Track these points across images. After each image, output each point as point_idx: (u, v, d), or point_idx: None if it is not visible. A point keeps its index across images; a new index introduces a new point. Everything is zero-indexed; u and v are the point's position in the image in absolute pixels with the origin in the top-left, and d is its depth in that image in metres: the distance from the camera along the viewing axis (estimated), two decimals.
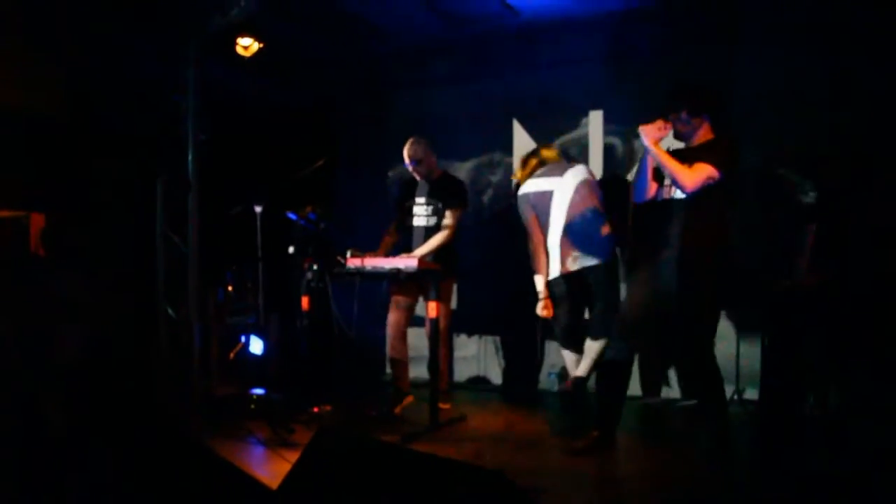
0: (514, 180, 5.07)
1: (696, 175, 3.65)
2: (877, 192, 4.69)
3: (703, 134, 3.86)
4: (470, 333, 6.37)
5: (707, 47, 5.49)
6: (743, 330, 5.05)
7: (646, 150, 3.84)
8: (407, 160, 5.02)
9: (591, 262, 4.61)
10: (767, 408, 4.54)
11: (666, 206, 3.85)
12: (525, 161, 4.98)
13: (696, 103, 3.83)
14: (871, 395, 4.30)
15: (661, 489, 3.49)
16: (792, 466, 3.78)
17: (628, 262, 4.05)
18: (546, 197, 4.75)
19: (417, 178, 5.11)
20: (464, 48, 6.39)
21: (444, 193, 5.04)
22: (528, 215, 4.82)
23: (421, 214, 5.07)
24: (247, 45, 5.36)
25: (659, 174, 3.91)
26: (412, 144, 5.01)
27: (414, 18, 5.87)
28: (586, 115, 5.94)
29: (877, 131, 4.80)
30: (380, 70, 6.90)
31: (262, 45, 5.37)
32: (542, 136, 5.92)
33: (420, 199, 5.10)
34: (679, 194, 3.77)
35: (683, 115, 3.83)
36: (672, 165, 3.70)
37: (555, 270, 4.71)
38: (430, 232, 5.00)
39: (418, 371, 5.68)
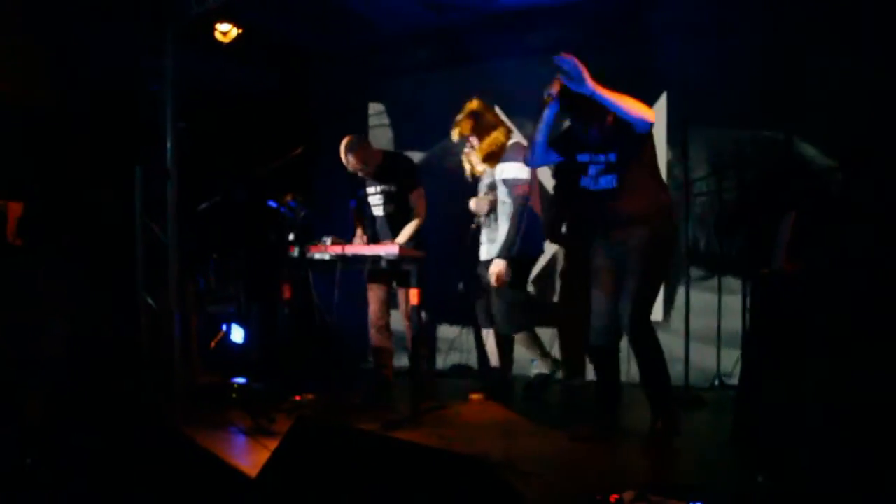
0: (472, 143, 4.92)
1: (647, 108, 3.59)
2: (860, 180, 4.73)
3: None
4: (451, 321, 6.37)
5: (684, 37, 5.50)
6: (724, 316, 5.07)
7: (550, 107, 3.73)
8: (351, 168, 4.91)
9: None
10: (747, 393, 4.56)
11: (597, 198, 3.84)
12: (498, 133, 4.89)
13: None
14: (848, 382, 4.33)
15: (642, 473, 3.51)
16: (773, 452, 3.80)
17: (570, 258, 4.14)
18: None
19: (364, 176, 5.02)
20: (443, 35, 6.36)
21: (396, 178, 4.93)
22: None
23: (377, 204, 5.01)
24: (226, 31, 5.32)
25: (577, 162, 3.87)
26: (351, 154, 4.87)
27: (395, 6, 5.84)
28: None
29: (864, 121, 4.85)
30: (359, 57, 6.86)
31: (241, 31, 5.32)
32: (523, 122, 5.90)
33: (371, 189, 5.02)
34: (607, 184, 3.76)
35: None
36: (628, 102, 3.52)
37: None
38: (391, 219, 4.95)
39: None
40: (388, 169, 4.96)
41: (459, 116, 4.80)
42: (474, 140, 4.80)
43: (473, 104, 4.81)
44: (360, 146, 4.89)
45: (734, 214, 4.94)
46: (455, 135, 4.81)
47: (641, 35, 5.65)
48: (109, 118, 5.48)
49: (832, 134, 5.01)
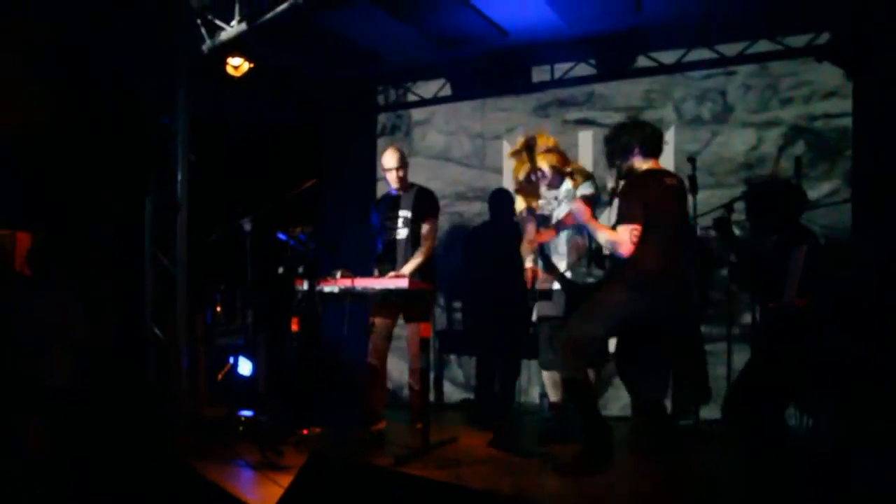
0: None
1: (622, 237, 3.85)
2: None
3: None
4: (460, 354, 6.35)
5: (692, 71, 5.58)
6: (735, 351, 5.04)
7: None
8: (393, 163, 4.93)
9: None
10: (757, 425, 4.54)
11: None
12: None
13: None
14: (855, 416, 4.30)
15: None
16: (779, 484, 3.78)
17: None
18: None
19: (394, 187, 5.02)
20: (454, 69, 6.43)
21: (419, 206, 4.98)
22: None
23: (397, 227, 4.98)
24: (237, 65, 5.36)
25: None
26: (396, 150, 5.01)
27: (405, 41, 5.88)
28: (576, 135, 5.96)
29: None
30: (369, 91, 6.93)
31: (252, 65, 5.37)
32: None
33: (393, 213, 5.03)
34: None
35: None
36: (605, 232, 3.97)
37: None
38: (406, 244, 4.93)
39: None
40: (416, 199, 5.00)
41: (543, 148, 4.77)
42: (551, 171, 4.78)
43: (549, 139, 4.82)
44: (405, 156, 5.06)
45: (743, 248, 4.93)
46: (545, 164, 4.76)
47: (649, 70, 5.71)
48: (120, 149, 5.52)
49: (842, 163, 5.07)
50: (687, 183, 4.68)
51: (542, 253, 4.81)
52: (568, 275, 4.71)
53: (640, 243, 3.85)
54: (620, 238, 3.85)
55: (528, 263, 4.79)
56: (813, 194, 5.07)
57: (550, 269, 4.77)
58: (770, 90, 5.38)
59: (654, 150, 4.03)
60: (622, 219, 3.88)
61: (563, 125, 5.98)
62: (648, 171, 4.00)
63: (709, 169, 5.47)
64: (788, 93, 5.33)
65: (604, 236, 3.97)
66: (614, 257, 4.02)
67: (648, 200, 3.87)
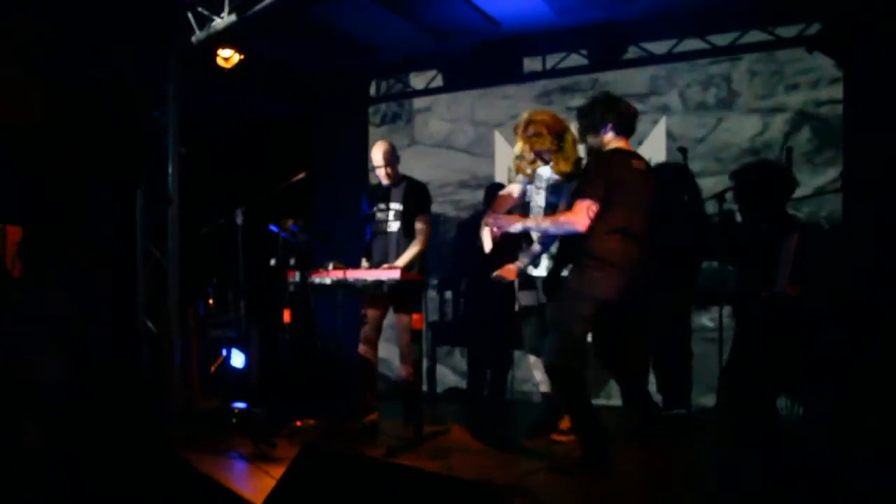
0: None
1: (577, 214, 3.69)
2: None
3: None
4: (452, 344, 6.36)
5: (685, 61, 5.59)
6: (727, 340, 5.06)
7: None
8: (380, 161, 4.89)
9: None
10: (750, 414, 4.56)
11: None
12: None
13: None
14: (846, 406, 4.33)
15: (644, 498, 3.49)
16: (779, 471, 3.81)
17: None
18: None
19: (385, 181, 5.00)
20: (446, 60, 6.43)
21: (410, 199, 4.95)
22: None
23: (388, 220, 4.96)
24: (227, 57, 5.33)
25: None
26: (384, 146, 4.93)
27: (398, 33, 5.88)
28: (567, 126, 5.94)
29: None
30: (361, 82, 6.91)
31: (242, 57, 5.34)
32: None
33: (384, 205, 5.00)
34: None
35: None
36: (551, 221, 3.93)
37: None
38: (398, 237, 4.90)
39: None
40: (408, 192, 4.97)
41: (534, 130, 4.44)
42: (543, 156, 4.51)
43: (540, 117, 4.51)
44: (394, 151, 4.98)
45: (734, 238, 4.95)
46: (528, 148, 4.47)
47: (642, 60, 5.71)
48: (111, 143, 5.50)
49: (833, 153, 5.09)
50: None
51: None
52: (544, 265, 4.63)
53: (610, 230, 3.67)
54: (575, 216, 3.68)
55: (487, 234, 4.45)
56: (819, 181, 5.10)
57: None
58: (776, 76, 5.33)
59: (626, 129, 3.87)
60: (581, 194, 3.69)
61: (566, 112, 5.95)
62: (616, 150, 3.81)
63: (714, 155, 5.45)
64: (794, 79, 5.27)
65: (555, 225, 3.85)
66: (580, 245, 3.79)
67: (615, 180, 3.69)
